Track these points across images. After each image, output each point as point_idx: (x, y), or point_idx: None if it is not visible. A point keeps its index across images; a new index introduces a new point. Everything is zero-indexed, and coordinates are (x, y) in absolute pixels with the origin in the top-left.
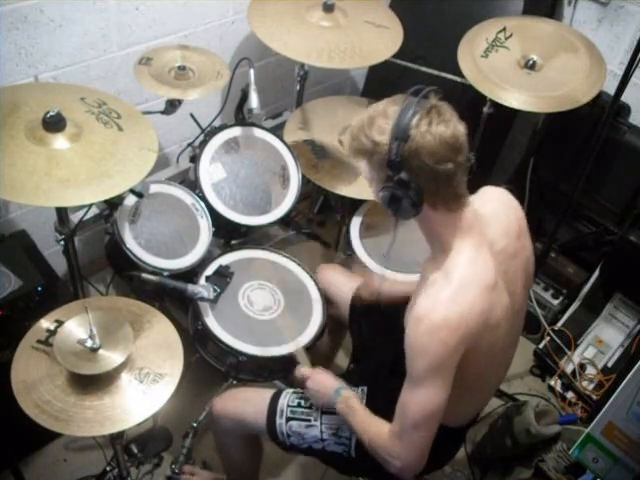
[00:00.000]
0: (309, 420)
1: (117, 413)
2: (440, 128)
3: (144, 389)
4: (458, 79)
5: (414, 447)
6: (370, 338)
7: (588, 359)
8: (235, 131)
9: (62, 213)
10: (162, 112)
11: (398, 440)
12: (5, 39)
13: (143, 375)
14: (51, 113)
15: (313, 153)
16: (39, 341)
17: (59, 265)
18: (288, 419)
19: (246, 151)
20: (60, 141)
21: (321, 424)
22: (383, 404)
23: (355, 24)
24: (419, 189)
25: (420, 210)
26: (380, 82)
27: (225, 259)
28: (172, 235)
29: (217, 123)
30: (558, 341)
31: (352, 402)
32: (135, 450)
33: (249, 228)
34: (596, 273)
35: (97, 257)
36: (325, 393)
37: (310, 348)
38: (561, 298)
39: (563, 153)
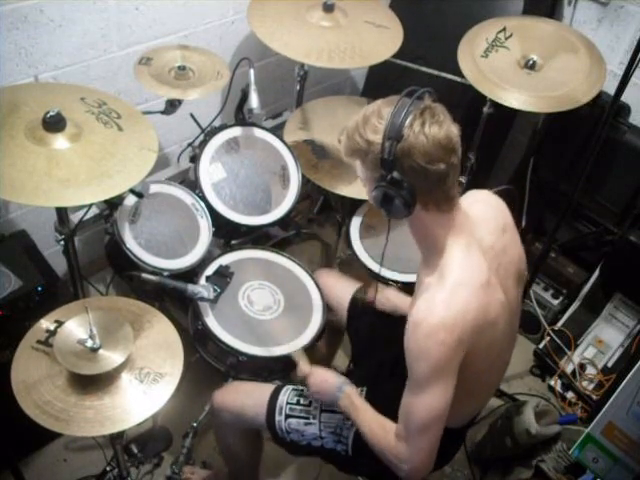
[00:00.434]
0: (308, 418)
1: (117, 413)
2: (433, 129)
3: (144, 389)
4: (458, 79)
5: (421, 451)
6: (369, 339)
7: (588, 359)
8: (235, 131)
9: (62, 213)
10: (162, 112)
11: (405, 444)
12: (5, 39)
13: (143, 375)
14: (51, 113)
15: (313, 153)
16: (39, 341)
17: (59, 265)
18: (287, 416)
19: (246, 151)
20: (60, 141)
21: (320, 422)
22: (383, 405)
23: (355, 24)
24: (412, 189)
25: (412, 210)
26: (380, 82)
27: (225, 259)
28: (172, 235)
29: (217, 123)
30: (558, 341)
31: (355, 399)
32: (135, 450)
33: (249, 228)
34: (596, 273)
35: (97, 257)
36: (327, 390)
37: (311, 348)
38: (561, 298)
39: (563, 153)
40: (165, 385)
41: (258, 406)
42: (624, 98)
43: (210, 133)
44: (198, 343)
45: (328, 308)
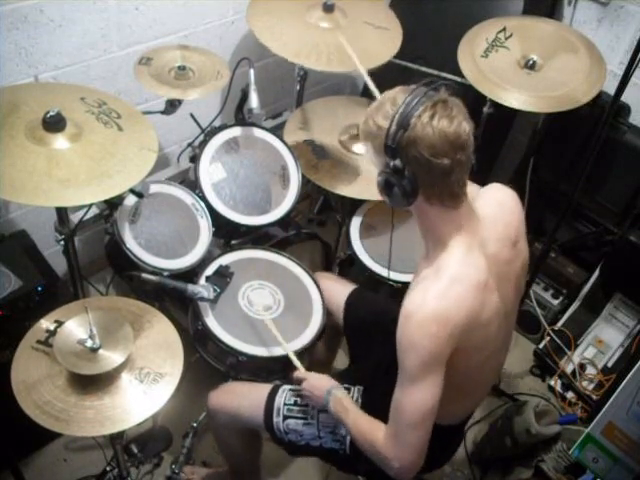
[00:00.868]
0: (306, 418)
1: (117, 413)
2: (442, 122)
3: (144, 389)
4: (458, 79)
5: (411, 447)
6: (365, 340)
7: (588, 359)
8: (235, 131)
9: (62, 213)
10: (162, 112)
11: (394, 441)
12: (5, 39)
13: (143, 375)
14: (51, 113)
15: (313, 153)
16: (39, 341)
17: (59, 265)
18: (285, 417)
19: (246, 151)
20: (60, 141)
21: (318, 422)
22: (379, 404)
23: (355, 25)
24: (414, 179)
25: (412, 201)
26: (380, 82)
27: (225, 259)
28: (172, 235)
29: (217, 123)
30: (558, 341)
31: (345, 402)
32: (135, 450)
33: (249, 228)
34: (596, 273)
35: (97, 257)
36: (318, 395)
37: (311, 348)
38: (561, 298)
39: (563, 153)
40: (165, 385)
41: (255, 407)
42: (624, 98)
43: (210, 133)
44: (198, 343)
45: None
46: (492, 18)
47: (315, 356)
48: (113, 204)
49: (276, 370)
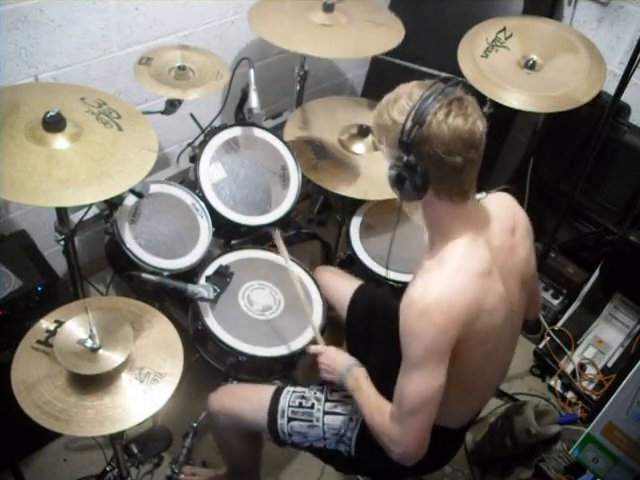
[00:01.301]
0: (311, 420)
1: (117, 413)
2: (458, 121)
3: (144, 389)
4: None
5: (412, 433)
6: (368, 339)
7: (588, 359)
8: (235, 131)
9: (62, 213)
10: (162, 112)
11: (397, 426)
12: (5, 39)
13: (143, 375)
14: (51, 113)
15: (313, 153)
16: (39, 341)
17: (59, 265)
18: (290, 419)
19: (246, 151)
20: (60, 141)
21: (323, 424)
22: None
23: (355, 23)
24: (425, 175)
25: (422, 195)
26: (380, 82)
27: (225, 259)
28: (172, 235)
29: (217, 123)
30: (558, 341)
31: (362, 382)
32: (135, 450)
33: (249, 228)
34: (596, 273)
35: (97, 257)
36: (336, 369)
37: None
38: (561, 298)
39: (563, 153)
40: (165, 385)
41: (257, 409)
42: (624, 98)
43: (210, 133)
44: (198, 343)
45: (328, 305)
46: (492, 18)
47: None
48: (113, 204)
49: (276, 370)
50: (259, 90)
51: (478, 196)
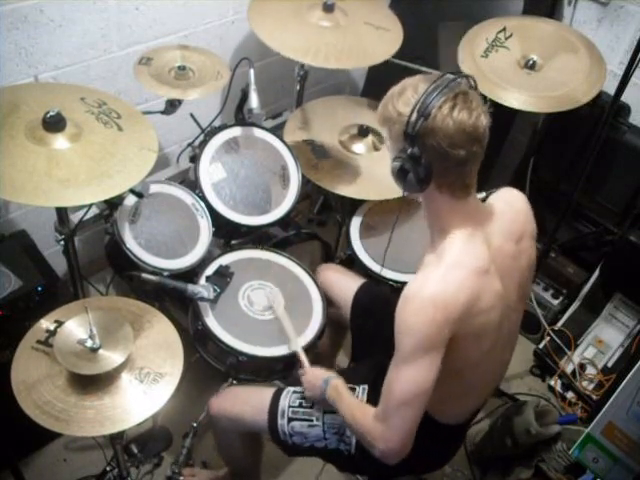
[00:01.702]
0: (311, 420)
1: (117, 413)
2: (462, 115)
3: (144, 389)
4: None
5: (396, 429)
6: (373, 337)
7: (588, 359)
8: (235, 131)
9: (62, 213)
10: (162, 112)
11: (381, 422)
12: (5, 39)
13: (143, 375)
14: (51, 113)
15: (313, 153)
16: (39, 341)
17: (59, 265)
18: (290, 420)
19: (246, 151)
20: (60, 141)
21: (323, 423)
22: None
23: (355, 25)
24: (429, 167)
25: (425, 188)
26: (380, 82)
27: (225, 259)
28: (172, 235)
29: (217, 123)
30: (558, 341)
31: (340, 388)
32: (135, 450)
33: (249, 228)
34: (596, 273)
35: (97, 257)
36: (316, 385)
37: (311, 348)
38: (561, 298)
39: (563, 153)
40: (165, 385)
41: (258, 410)
42: (624, 98)
43: (210, 133)
44: (198, 343)
45: (331, 303)
46: (492, 18)
47: (318, 350)
48: (113, 204)
49: (276, 370)
50: (259, 90)
51: (479, 196)
